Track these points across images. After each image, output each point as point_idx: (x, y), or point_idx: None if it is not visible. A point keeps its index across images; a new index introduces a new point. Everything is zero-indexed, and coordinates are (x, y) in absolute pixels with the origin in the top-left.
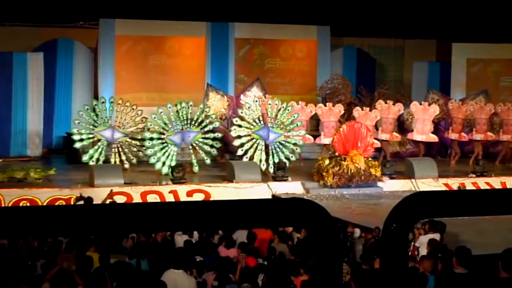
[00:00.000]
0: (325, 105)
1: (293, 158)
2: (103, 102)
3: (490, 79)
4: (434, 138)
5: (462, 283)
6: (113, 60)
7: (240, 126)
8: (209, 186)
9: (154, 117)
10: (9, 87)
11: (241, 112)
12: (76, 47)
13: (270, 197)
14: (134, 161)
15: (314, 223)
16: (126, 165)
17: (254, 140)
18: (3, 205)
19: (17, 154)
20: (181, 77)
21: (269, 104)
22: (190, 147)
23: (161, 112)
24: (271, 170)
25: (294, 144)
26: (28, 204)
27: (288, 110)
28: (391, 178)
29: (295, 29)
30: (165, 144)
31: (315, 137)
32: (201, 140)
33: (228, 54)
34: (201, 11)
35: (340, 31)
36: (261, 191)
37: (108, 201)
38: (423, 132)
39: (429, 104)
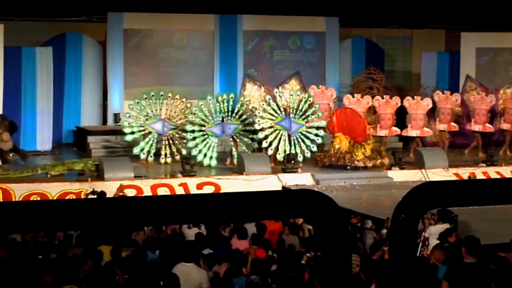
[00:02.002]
0: (353, 97)
1: (314, 149)
2: (152, 96)
3: (500, 68)
4: (490, 128)
5: (472, 273)
6: (122, 53)
7: (262, 117)
8: (219, 178)
9: (195, 110)
10: (18, 82)
11: (263, 104)
12: (84, 41)
13: (280, 189)
14: (184, 152)
15: (322, 214)
16: (177, 157)
17: (277, 132)
18: (13, 200)
19: (27, 148)
20: (190, 70)
21: (291, 94)
22: (231, 139)
23: (201, 105)
24: (300, 159)
25: (316, 135)
26: (38, 198)
27: (309, 100)
28: (401, 168)
29: (303, 21)
30: (206, 136)
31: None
32: (241, 132)
33: (237, 46)
34: (209, 3)
35: (349, 21)
36: (271, 183)
37: (119, 195)
38: (480, 122)
39: (464, 92)
